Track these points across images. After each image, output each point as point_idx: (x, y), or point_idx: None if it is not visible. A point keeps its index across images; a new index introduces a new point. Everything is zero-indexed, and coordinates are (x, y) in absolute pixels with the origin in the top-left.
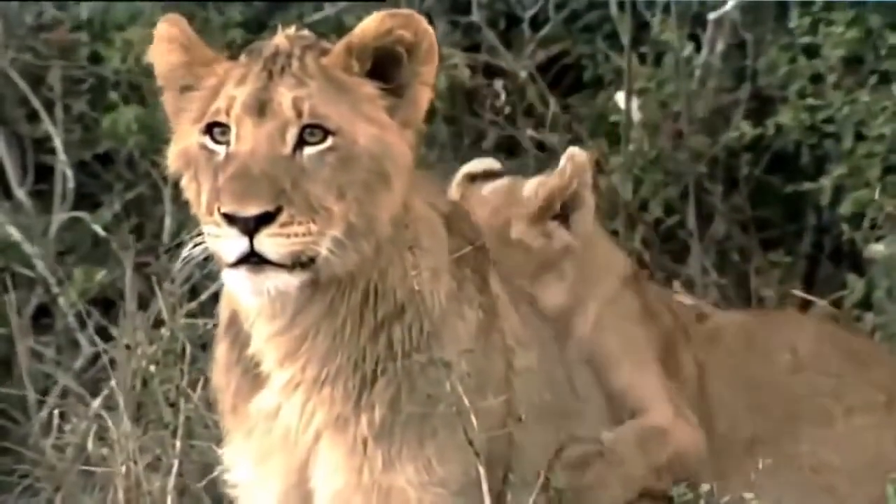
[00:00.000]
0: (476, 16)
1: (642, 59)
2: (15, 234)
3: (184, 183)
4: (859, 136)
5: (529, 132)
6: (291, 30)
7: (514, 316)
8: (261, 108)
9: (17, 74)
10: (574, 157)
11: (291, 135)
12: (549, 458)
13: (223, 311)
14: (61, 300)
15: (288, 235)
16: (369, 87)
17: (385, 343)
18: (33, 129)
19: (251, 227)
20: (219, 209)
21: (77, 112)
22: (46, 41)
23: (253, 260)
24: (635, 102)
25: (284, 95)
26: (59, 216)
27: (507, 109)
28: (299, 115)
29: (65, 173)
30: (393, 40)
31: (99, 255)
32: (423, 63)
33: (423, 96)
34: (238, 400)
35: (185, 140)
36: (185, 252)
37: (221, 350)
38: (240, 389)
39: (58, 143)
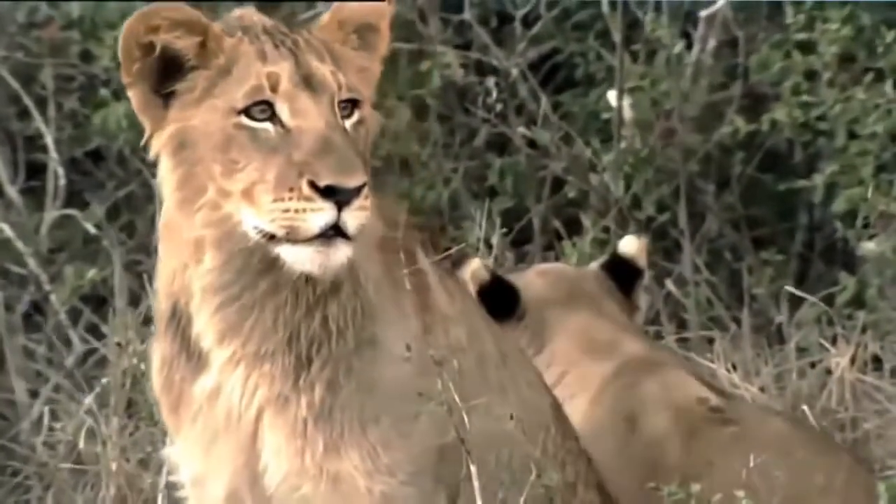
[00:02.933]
0: (468, 13)
1: (634, 56)
2: (6, 231)
3: (170, 165)
4: (852, 135)
5: (521, 130)
6: (250, 7)
7: (443, 292)
8: (307, 82)
9: (7, 72)
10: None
11: (336, 108)
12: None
13: (162, 303)
14: (53, 298)
15: (364, 208)
16: (363, 61)
17: (320, 321)
18: (24, 127)
19: (347, 199)
20: (311, 183)
21: (68, 109)
22: (38, 39)
23: (329, 233)
24: (627, 100)
25: (320, 69)
26: (51, 214)
27: (499, 107)
28: (339, 88)
29: (56, 171)
30: (372, 16)
31: (90, 253)
32: (385, 40)
33: (378, 72)
34: (182, 391)
35: (180, 121)
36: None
37: (163, 345)
38: (184, 379)
39: (49, 140)
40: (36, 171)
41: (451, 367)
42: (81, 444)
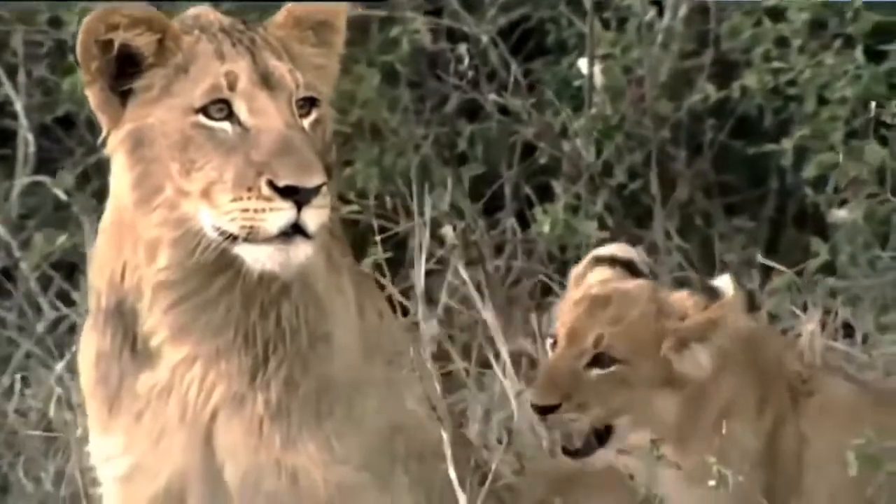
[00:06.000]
0: None
1: (605, 23)
2: None
3: (127, 163)
4: (822, 100)
5: (492, 97)
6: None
7: (375, 287)
8: (265, 81)
9: None
10: (731, 304)
11: (294, 107)
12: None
13: (103, 299)
14: (23, 265)
15: (324, 207)
16: (320, 59)
17: (274, 320)
18: None
19: (307, 198)
20: (270, 183)
21: (37, 76)
22: (6, 6)
23: (289, 232)
24: (597, 67)
25: (278, 68)
26: (21, 180)
27: (470, 74)
28: (297, 86)
29: (26, 138)
30: (328, 13)
31: (60, 220)
32: (342, 37)
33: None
34: (121, 387)
35: (138, 120)
36: (212, 234)
37: (100, 339)
38: (125, 375)
39: (19, 107)
40: (6, 138)
41: (411, 337)
42: (52, 412)
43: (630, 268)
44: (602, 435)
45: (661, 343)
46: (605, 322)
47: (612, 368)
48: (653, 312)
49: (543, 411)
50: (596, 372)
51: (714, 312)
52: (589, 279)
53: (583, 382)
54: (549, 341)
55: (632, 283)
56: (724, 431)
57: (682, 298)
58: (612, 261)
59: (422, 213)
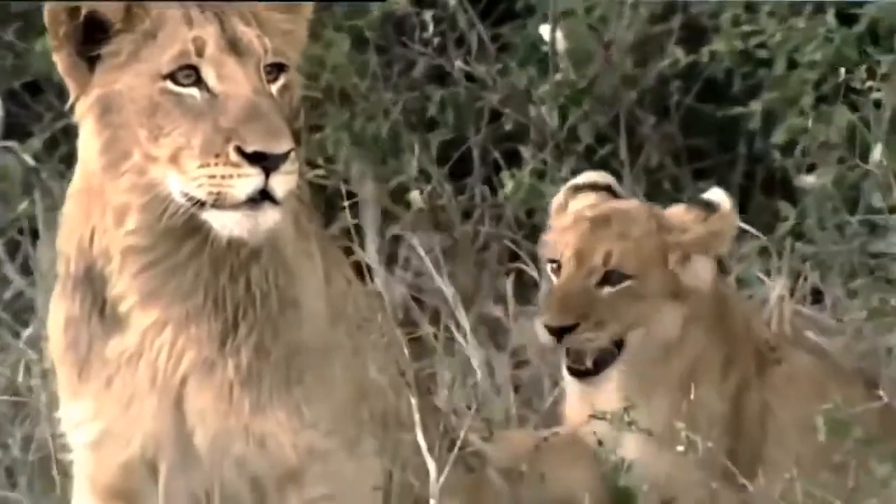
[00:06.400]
0: None
1: None
2: None
3: (95, 129)
4: (792, 63)
5: (458, 63)
6: None
7: (342, 254)
8: (233, 47)
9: None
10: (729, 215)
11: (262, 73)
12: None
13: (72, 264)
14: None
15: (292, 173)
16: (288, 24)
17: (244, 285)
18: None
19: (275, 164)
20: (238, 149)
21: (6, 41)
22: None
23: (257, 198)
24: (560, 31)
25: (246, 33)
26: None
27: (438, 39)
28: (265, 52)
29: None
30: None
31: (29, 185)
32: (310, 2)
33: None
34: (91, 352)
35: (106, 85)
36: (180, 200)
37: (69, 305)
38: (94, 340)
39: None
40: None
41: (379, 303)
42: (20, 378)
43: (611, 192)
44: (611, 354)
45: (666, 256)
46: (611, 239)
47: (623, 284)
48: (654, 228)
49: (560, 333)
50: (607, 289)
51: (714, 224)
52: (574, 205)
53: (596, 301)
54: (548, 266)
55: (627, 202)
56: (691, 396)
57: (679, 213)
58: (593, 187)
59: (387, 182)
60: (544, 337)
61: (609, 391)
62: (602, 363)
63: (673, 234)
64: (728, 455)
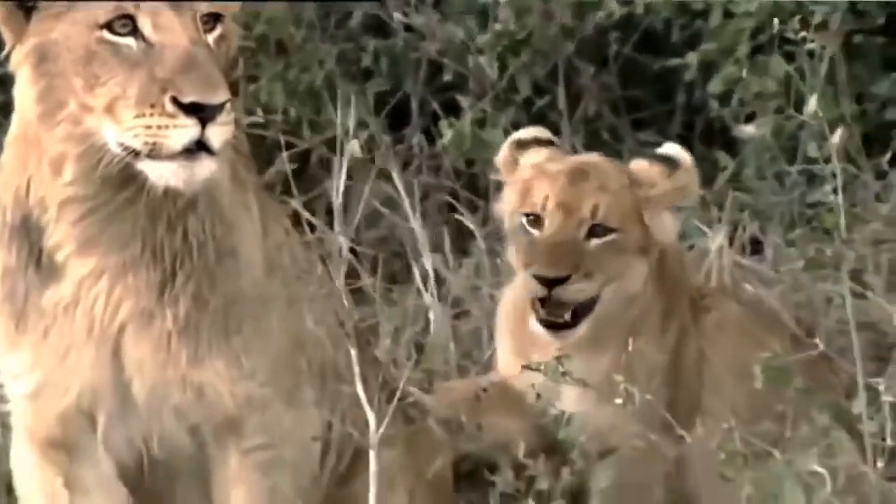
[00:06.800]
0: None
1: None
2: None
3: (31, 78)
4: (728, 14)
5: (397, 15)
6: None
7: (279, 204)
8: None
9: None
10: (692, 170)
11: (198, 23)
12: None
13: (8, 214)
14: None
15: (228, 123)
16: None
17: (181, 235)
18: None
19: (211, 115)
20: (174, 99)
21: None
22: None
23: (192, 149)
24: None
25: None
26: None
27: None
28: (201, 2)
29: None
30: None
31: None
32: None
33: None
34: (28, 302)
35: (42, 34)
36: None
37: (5, 256)
38: (30, 290)
39: None
40: None
41: (317, 254)
42: None
43: (553, 147)
44: (588, 307)
45: (640, 211)
46: (594, 192)
47: (608, 238)
48: (627, 182)
49: (553, 283)
50: (595, 242)
51: (680, 179)
52: (528, 159)
53: (585, 252)
54: (522, 219)
55: (591, 156)
56: (630, 348)
57: (645, 168)
58: (537, 142)
59: (346, 130)
60: (533, 288)
61: (545, 344)
62: (577, 318)
63: (643, 189)
64: (668, 406)
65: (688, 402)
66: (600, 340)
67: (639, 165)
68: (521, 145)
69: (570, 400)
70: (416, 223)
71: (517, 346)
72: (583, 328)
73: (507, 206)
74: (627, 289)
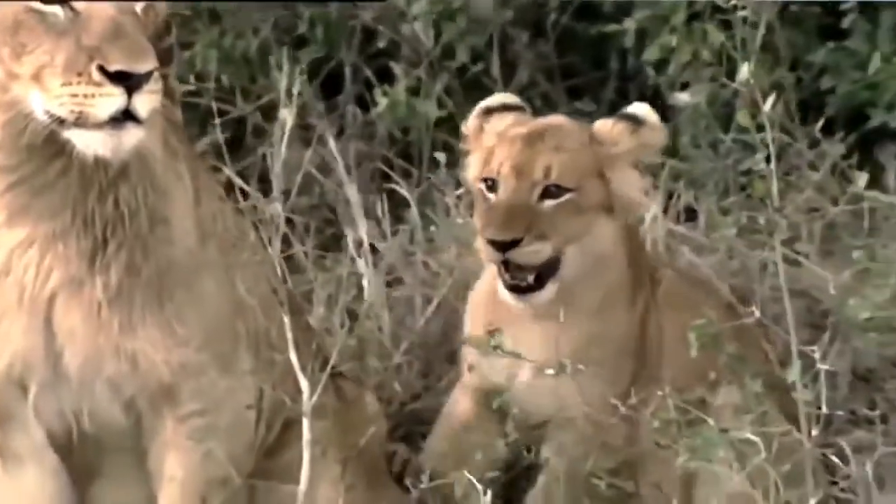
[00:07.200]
0: None
1: None
2: None
3: None
4: None
5: None
6: None
7: (212, 172)
8: None
9: None
10: (658, 126)
11: None
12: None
13: None
14: None
15: (155, 92)
16: None
17: (112, 203)
18: None
19: (138, 84)
20: (101, 68)
21: None
22: None
23: (119, 118)
24: None
25: None
26: None
27: None
28: None
29: None
30: None
31: None
32: None
33: None
34: None
35: None
36: (42, 118)
37: None
38: None
39: None
40: None
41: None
42: None
43: (522, 112)
44: (551, 269)
45: (602, 169)
46: (548, 153)
47: (564, 198)
48: (587, 140)
49: (506, 247)
50: (549, 203)
51: (645, 136)
52: (493, 126)
53: (539, 214)
54: (481, 185)
55: (555, 117)
56: (603, 320)
57: (608, 126)
58: (504, 108)
59: (290, 94)
60: (488, 253)
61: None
62: (541, 280)
63: (605, 147)
64: (631, 378)
65: (648, 376)
66: (573, 307)
67: (602, 124)
68: (489, 112)
69: (527, 370)
70: (351, 190)
71: (488, 309)
72: (548, 290)
73: (470, 173)
74: (593, 248)
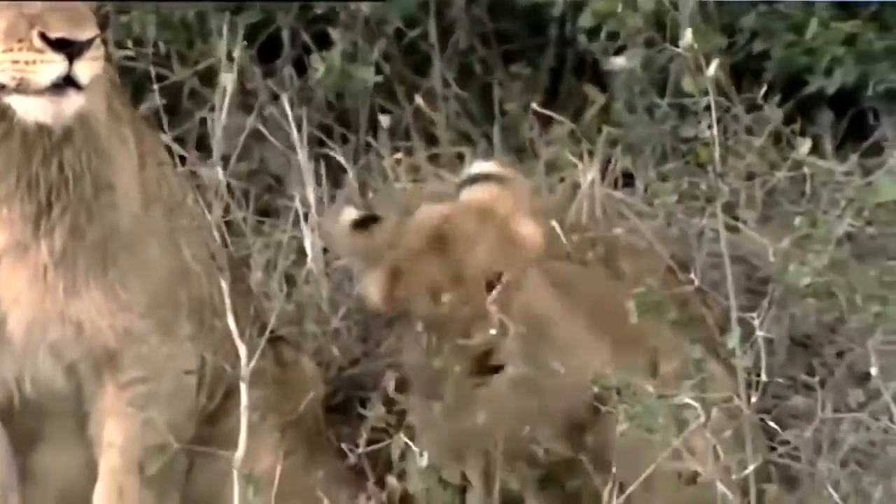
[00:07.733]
0: None
1: None
2: None
3: None
4: None
5: None
6: None
7: (156, 136)
8: None
9: None
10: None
11: None
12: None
13: None
14: None
15: (96, 59)
16: None
17: (57, 167)
18: None
19: (79, 51)
20: (42, 35)
21: None
22: None
23: (60, 84)
24: None
25: None
26: None
27: None
28: None
29: None
30: None
31: None
32: None
33: None
34: None
35: None
36: None
37: None
38: None
39: None
40: None
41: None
42: None
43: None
44: None
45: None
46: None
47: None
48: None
49: None
50: None
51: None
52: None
53: None
54: None
55: None
56: None
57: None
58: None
59: (231, 59)
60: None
61: None
62: None
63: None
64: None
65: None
66: None
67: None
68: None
69: None
70: (301, 154)
71: None
72: None
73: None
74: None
